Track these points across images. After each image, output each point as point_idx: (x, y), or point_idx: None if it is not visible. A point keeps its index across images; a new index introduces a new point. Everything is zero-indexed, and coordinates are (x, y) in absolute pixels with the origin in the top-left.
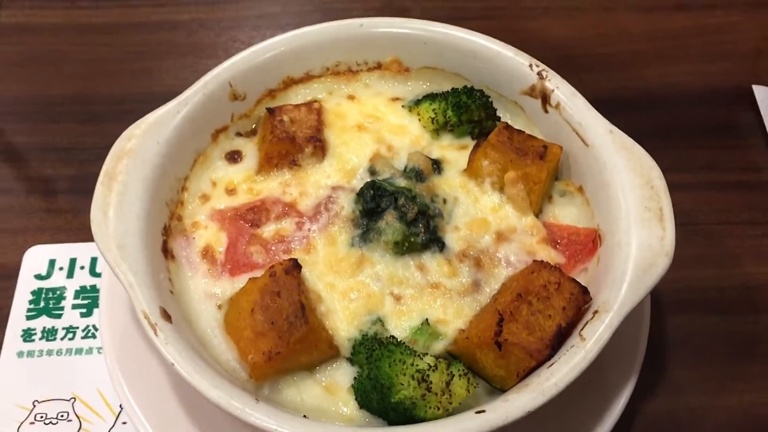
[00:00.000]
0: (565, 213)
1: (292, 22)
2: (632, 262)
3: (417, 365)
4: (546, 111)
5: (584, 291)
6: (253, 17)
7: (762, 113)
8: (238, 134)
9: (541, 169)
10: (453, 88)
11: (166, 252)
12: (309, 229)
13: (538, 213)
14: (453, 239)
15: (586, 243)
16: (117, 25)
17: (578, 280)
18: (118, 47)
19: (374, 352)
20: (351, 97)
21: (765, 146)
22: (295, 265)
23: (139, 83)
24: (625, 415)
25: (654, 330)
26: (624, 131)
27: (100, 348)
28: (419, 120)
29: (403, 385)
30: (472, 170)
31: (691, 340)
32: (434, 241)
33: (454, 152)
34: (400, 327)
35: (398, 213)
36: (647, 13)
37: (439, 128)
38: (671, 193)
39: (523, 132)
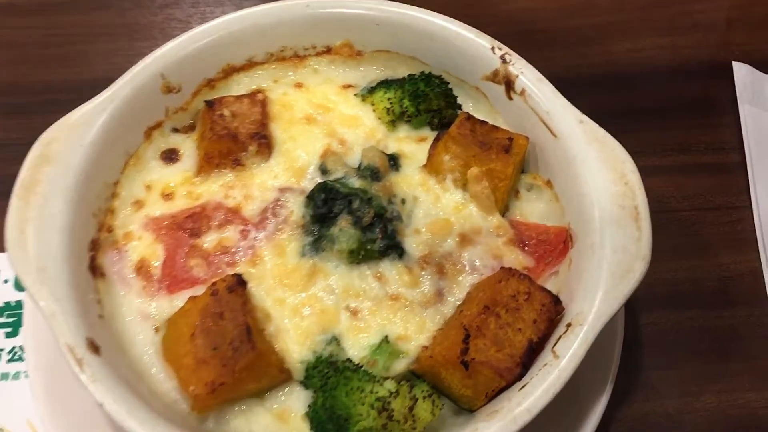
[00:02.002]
0: (533, 209)
1: None
2: (607, 267)
3: (377, 392)
4: (510, 98)
5: (556, 301)
6: None
7: (737, 91)
8: (175, 130)
9: (506, 165)
10: (409, 75)
11: (95, 270)
12: (255, 238)
13: (504, 211)
14: (413, 244)
15: (557, 244)
16: (41, 5)
17: (548, 285)
18: (42, 30)
19: (329, 380)
20: (299, 86)
21: (737, 125)
22: (239, 282)
23: (67, 70)
24: (600, 426)
25: (627, 328)
26: (590, 112)
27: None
28: (374, 110)
29: (361, 415)
30: (432, 166)
31: (666, 338)
32: (393, 248)
33: (412, 145)
34: (357, 345)
35: (353, 218)
36: None
37: (395, 119)
38: (641, 178)
39: (487, 123)
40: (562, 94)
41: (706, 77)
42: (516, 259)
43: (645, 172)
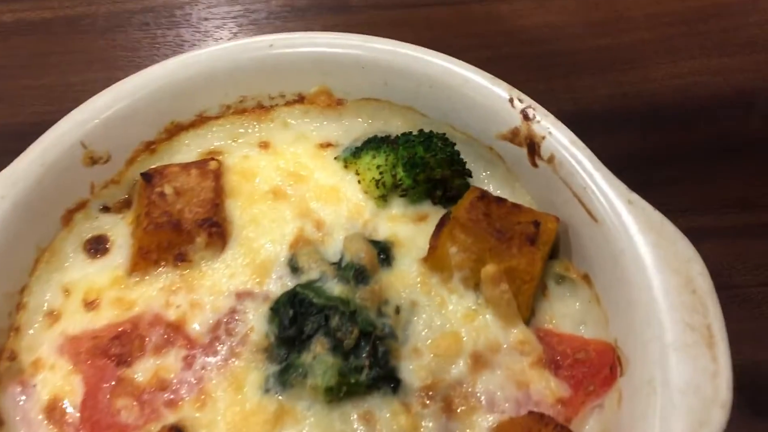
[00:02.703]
0: (565, 310)
1: (193, 18)
2: (676, 417)
3: None
4: (535, 165)
5: None
6: (138, 11)
7: None
8: (105, 209)
9: (532, 261)
10: (404, 134)
11: None
12: (203, 367)
13: (529, 317)
14: (412, 371)
15: (600, 367)
16: None
17: (591, 422)
18: None
19: None
20: (264, 145)
21: None
22: None
23: None
24: None
25: None
26: (625, 156)
27: None
28: (359, 181)
29: None
30: (434, 259)
31: None
32: (385, 378)
33: (408, 227)
34: None
35: (331, 340)
36: None
37: (386, 193)
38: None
39: (505, 202)
40: (589, 132)
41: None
42: (547, 387)
43: (696, 235)
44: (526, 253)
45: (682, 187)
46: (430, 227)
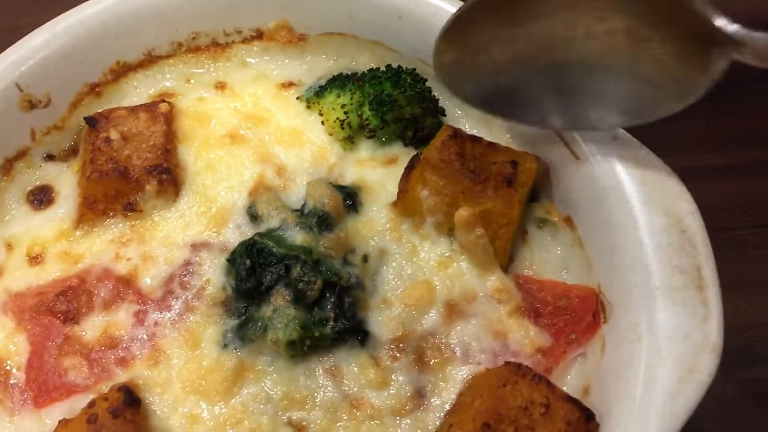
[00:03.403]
0: (547, 256)
1: None
2: (662, 364)
3: None
4: None
5: (587, 415)
6: None
7: None
8: (49, 157)
9: (510, 204)
10: (371, 70)
11: None
12: (156, 323)
13: (507, 262)
14: (381, 322)
15: (582, 313)
16: None
17: (573, 373)
18: None
19: None
20: (220, 86)
21: None
22: (129, 401)
23: None
24: None
25: None
26: None
27: None
28: (323, 122)
29: None
30: (405, 203)
31: (727, 411)
32: (352, 331)
33: (377, 171)
34: None
35: (292, 291)
36: None
37: (352, 134)
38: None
39: (481, 140)
40: None
41: None
42: (526, 336)
43: (684, 175)
44: (503, 195)
45: (670, 125)
46: (400, 170)
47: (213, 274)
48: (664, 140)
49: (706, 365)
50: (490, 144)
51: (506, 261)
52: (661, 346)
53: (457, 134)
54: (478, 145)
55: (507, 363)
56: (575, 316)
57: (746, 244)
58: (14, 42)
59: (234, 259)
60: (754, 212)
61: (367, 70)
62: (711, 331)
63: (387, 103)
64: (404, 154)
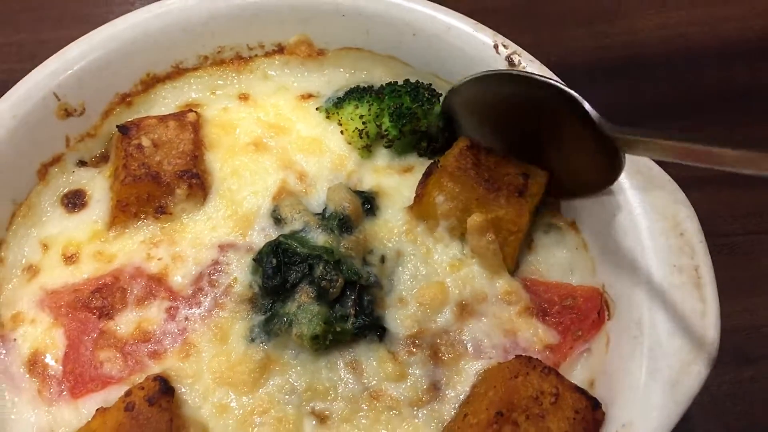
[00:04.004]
0: (553, 260)
1: None
2: (663, 356)
3: None
4: None
5: (594, 404)
6: None
7: None
8: (81, 163)
9: (520, 212)
10: (389, 84)
11: None
12: (187, 318)
13: (514, 268)
14: (398, 319)
15: (588, 312)
16: None
17: (579, 367)
18: None
19: None
20: (243, 97)
21: None
22: (164, 390)
23: None
24: None
25: None
26: (613, 108)
27: None
28: (342, 131)
29: None
30: (421, 207)
31: (720, 408)
32: (371, 327)
33: (393, 178)
34: None
35: (315, 289)
36: None
37: (370, 143)
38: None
39: (495, 151)
40: (575, 84)
41: (756, 59)
42: (534, 334)
43: (685, 184)
44: (514, 204)
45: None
46: (415, 178)
47: (240, 272)
48: None
49: (704, 357)
50: (504, 156)
51: (513, 266)
52: (662, 340)
53: (473, 145)
54: (492, 157)
55: (518, 356)
56: (581, 314)
57: (739, 250)
58: (39, 55)
59: (261, 258)
60: (746, 219)
61: (386, 84)
62: (709, 326)
63: (406, 116)
64: (419, 164)
